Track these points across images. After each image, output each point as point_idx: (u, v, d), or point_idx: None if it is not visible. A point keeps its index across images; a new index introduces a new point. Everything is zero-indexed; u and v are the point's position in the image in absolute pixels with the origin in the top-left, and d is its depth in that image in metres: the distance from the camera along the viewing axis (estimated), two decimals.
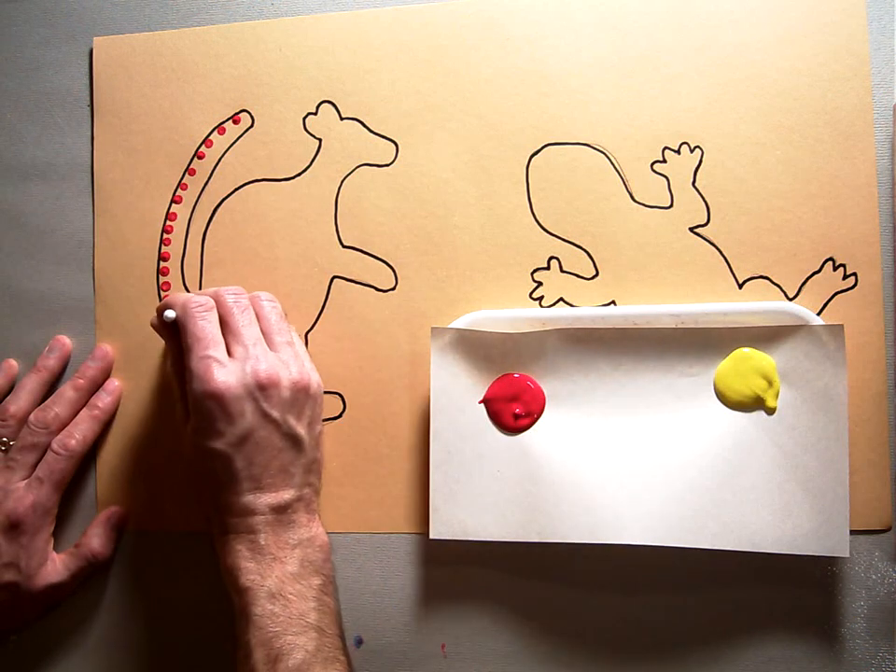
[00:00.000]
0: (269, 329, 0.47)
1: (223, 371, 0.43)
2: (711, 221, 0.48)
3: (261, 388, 0.44)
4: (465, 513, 0.47)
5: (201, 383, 0.43)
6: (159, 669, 0.51)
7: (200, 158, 0.52)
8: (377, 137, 0.51)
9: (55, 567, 0.50)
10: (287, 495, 0.45)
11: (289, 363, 0.46)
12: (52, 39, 0.55)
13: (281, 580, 0.43)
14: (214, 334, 0.45)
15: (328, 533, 0.47)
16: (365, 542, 0.50)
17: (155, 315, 0.48)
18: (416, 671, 0.49)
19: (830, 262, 0.47)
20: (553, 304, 0.49)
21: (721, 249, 0.48)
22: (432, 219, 0.50)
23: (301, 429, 0.46)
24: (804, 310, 0.46)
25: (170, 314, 0.46)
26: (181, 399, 0.47)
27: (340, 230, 0.51)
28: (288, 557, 0.44)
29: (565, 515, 0.46)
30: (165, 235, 0.52)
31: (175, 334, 0.47)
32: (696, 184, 0.48)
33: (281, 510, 0.45)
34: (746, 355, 0.46)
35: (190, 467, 0.47)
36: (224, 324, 0.46)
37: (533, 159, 0.50)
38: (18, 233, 0.54)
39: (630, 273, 0.49)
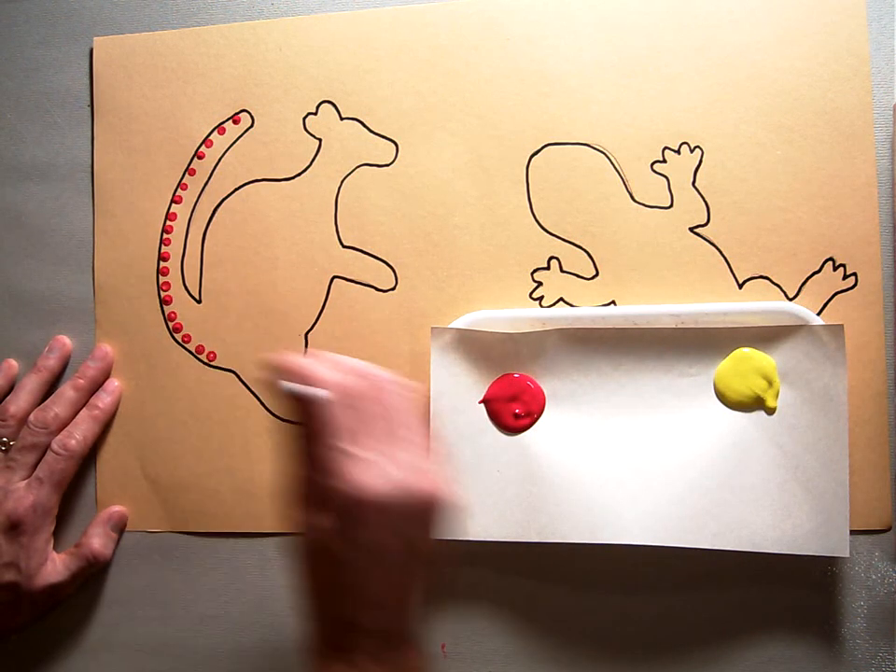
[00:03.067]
0: (393, 423, 0.38)
1: (358, 470, 0.36)
2: (711, 221, 0.48)
3: (391, 500, 0.36)
4: (465, 513, 0.47)
5: (337, 480, 0.36)
6: (159, 669, 0.51)
7: (200, 158, 0.52)
8: (377, 137, 0.51)
9: (55, 567, 0.50)
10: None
11: (413, 467, 0.38)
12: (52, 39, 0.55)
13: None
14: (349, 425, 0.37)
15: None
16: None
17: (285, 381, 0.38)
18: None
19: (830, 262, 0.47)
20: (553, 304, 0.49)
21: (721, 249, 0.48)
22: (432, 219, 0.50)
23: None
24: (804, 310, 0.46)
25: (322, 394, 0.37)
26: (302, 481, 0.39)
27: (340, 230, 0.51)
28: None
29: (565, 515, 0.46)
30: (165, 235, 0.52)
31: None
32: (696, 184, 0.48)
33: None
34: (746, 355, 0.46)
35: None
36: (367, 411, 0.38)
37: (533, 159, 0.50)
38: (18, 233, 0.54)
39: (630, 273, 0.49)
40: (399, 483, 0.36)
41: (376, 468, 0.37)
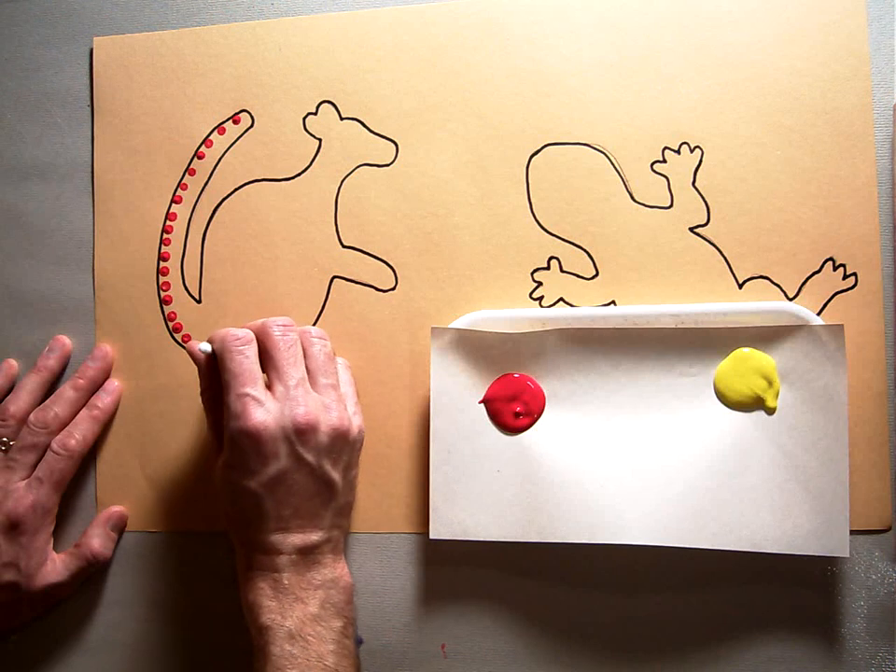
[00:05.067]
0: (314, 369, 0.45)
1: (261, 411, 0.42)
2: (711, 221, 0.48)
3: (299, 432, 0.43)
4: (465, 513, 0.47)
5: (237, 421, 0.42)
6: (159, 669, 0.51)
7: (200, 158, 0.52)
8: (377, 137, 0.51)
9: (55, 566, 0.50)
10: (314, 536, 0.44)
11: (331, 407, 0.44)
12: (52, 39, 0.55)
13: (301, 620, 0.42)
14: (252, 371, 0.44)
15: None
16: (365, 542, 0.50)
17: (193, 345, 0.47)
18: (416, 671, 0.49)
19: (830, 262, 0.47)
20: (553, 304, 0.49)
21: (721, 249, 0.48)
22: (432, 219, 0.50)
23: (335, 474, 0.45)
24: (804, 310, 0.46)
25: (205, 346, 0.45)
26: (212, 430, 0.46)
27: (340, 230, 0.51)
28: (310, 598, 0.43)
29: (565, 515, 0.46)
30: (165, 235, 0.52)
31: (211, 365, 0.46)
32: (696, 184, 0.48)
33: (307, 551, 0.44)
34: (746, 355, 0.46)
35: (219, 497, 0.46)
36: (268, 358, 0.45)
37: (533, 159, 0.50)
38: (18, 233, 0.54)
39: (630, 273, 0.49)
40: (303, 419, 0.43)
41: (282, 406, 0.43)
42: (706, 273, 0.48)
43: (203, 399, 0.47)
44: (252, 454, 0.42)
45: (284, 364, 0.44)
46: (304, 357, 0.46)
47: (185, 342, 0.52)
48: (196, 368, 0.47)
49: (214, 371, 0.46)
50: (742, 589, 0.47)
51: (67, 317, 0.53)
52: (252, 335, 0.45)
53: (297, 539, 0.44)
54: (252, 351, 0.44)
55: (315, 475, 0.44)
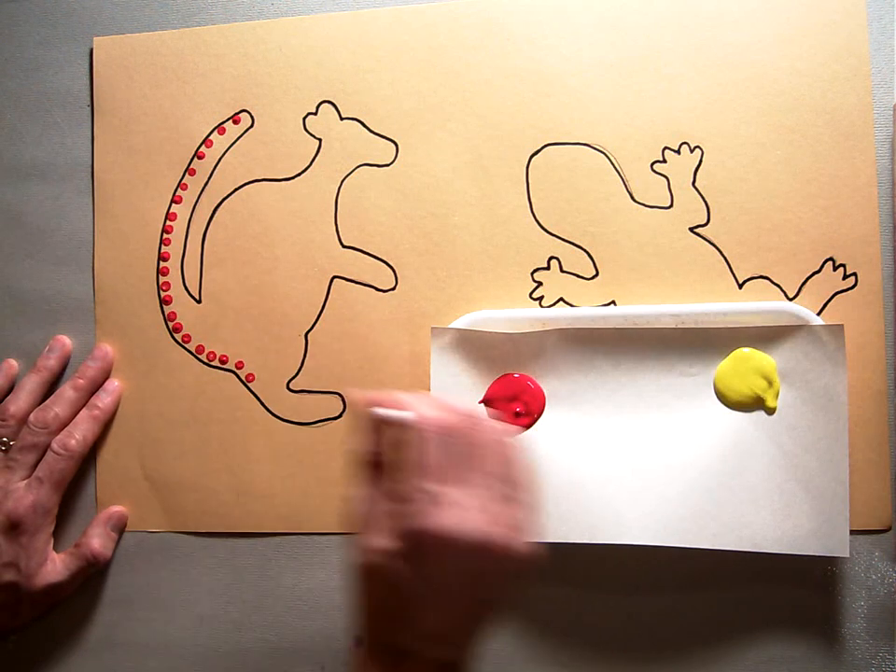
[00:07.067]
0: (498, 477, 0.38)
1: (443, 514, 0.37)
2: (711, 221, 0.48)
3: (471, 549, 0.37)
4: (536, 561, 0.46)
5: (425, 518, 0.37)
6: (159, 669, 0.51)
7: (200, 158, 0.52)
8: (377, 137, 0.51)
9: (55, 566, 0.50)
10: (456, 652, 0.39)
11: (503, 523, 0.38)
12: (52, 39, 0.55)
13: None
14: (440, 465, 0.37)
15: (329, 533, 0.45)
16: None
17: (367, 402, 0.40)
18: None
19: (830, 262, 0.47)
20: (553, 304, 0.49)
21: (721, 249, 0.48)
22: (432, 219, 0.50)
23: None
24: (804, 310, 0.46)
25: (398, 414, 0.38)
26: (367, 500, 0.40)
27: (340, 230, 0.51)
28: None
29: (565, 515, 0.46)
30: (165, 235, 0.52)
31: (382, 430, 0.40)
32: (696, 184, 0.48)
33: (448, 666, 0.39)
34: (746, 355, 0.46)
35: (358, 578, 0.39)
36: (467, 453, 0.38)
37: (533, 159, 0.50)
38: (18, 233, 0.54)
39: (630, 273, 0.49)
40: (477, 531, 0.37)
41: (457, 510, 0.37)
42: (706, 273, 0.48)
43: (362, 461, 0.40)
44: (423, 554, 0.37)
45: (469, 469, 0.38)
46: (496, 462, 0.39)
47: (185, 342, 0.52)
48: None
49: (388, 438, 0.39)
50: (742, 589, 0.47)
51: (67, 317, 0.53)
52: (452, 425, 0.38)
53: (439, 651, 0.39)
54: (448, 442, 0.38)
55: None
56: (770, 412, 0.46)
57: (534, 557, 0.39)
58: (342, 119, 0.51)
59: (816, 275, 0.47)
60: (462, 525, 0.37)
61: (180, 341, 0.52)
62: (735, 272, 0.48)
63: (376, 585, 0.39)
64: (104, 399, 0.52)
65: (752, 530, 0.44)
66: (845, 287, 0.47)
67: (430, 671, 0.38)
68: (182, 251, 0.52)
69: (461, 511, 0.37)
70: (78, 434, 0.50)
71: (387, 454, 0.39)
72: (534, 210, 0.50)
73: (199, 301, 0.52)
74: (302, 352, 0.51)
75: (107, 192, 0.53)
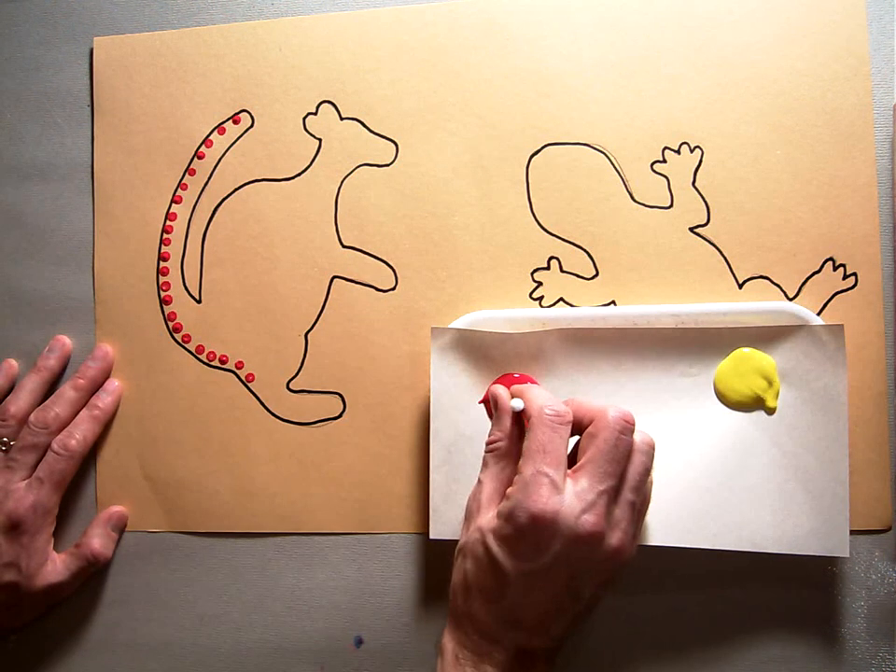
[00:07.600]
0: (626, 480, 0.40)
1: (556, 499, 0.38)
2: (711, 221, 0.48)
3: (578, 540, 0.38)
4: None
5: (527, 499, 0.39)
6: (158, 669, 0.51)
7: (200, 158, 0.52)
8: (377, 137, 0.51)
9: (55, 567, 0.50)
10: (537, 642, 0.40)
11: (619, 527, 0.40)
12: (52, 39, 0.55)
13: None
14: (560, 453, 0.40)
15: (329, 533, 0.46)
16: (365, 542, 0.50)
17: (492, 392, 0.45)
18: (416, 671, 0.49)
19: (830, 262, 0.47)
20: (553, 304, 0.49)
21: (721, 249, 0.48)
22: (432, 219, 0.50)
23: (586, 592, 0.40)
24: (804, 310, 0.46)
25: (517, 403, 0.42)
26: (493, 482, 0.43)
27: (340, 230, 0.51)
28: None
29: None
30: (165, 235, 0.52)
31: (515, 421, 0.43)
32: (696, 184, 0.48)
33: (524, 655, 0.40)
34: (746, 355, 0.46)
35: (459, 555, 0.42)
36: (590, 447, 0.40)
37: (533, 159, 0.50)
38: (18, 233, 0.54)
39: (630, 273, 0.49)
40: (588, 522, 0.38)
41: (573, 500, 0.39)
42: (706, 273, 0.48)
43: (494, 450, 0.43)
44: (528, 536, 0.39)
45: (603, 463, 0.40)
46: (626, 463, 0.41)
47: (185, 342, 0.52)
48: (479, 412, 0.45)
49: (514, 427, 0.43)
50: (742, 589, 0.47)
51: (67, 317, 0.53)
52: (572, 415, 0.41)
53: (521, 637, 0.40)
54: (567, 432, 0.41)
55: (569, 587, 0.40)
56: (770, 412, 0.46)
57: (633, 561, 0.41)
58: (342, 119, 0.51)
59: (816, 275, 0.47)
60: (574, 514, 0.38)
61: (180, 341, 0.52)
62: (734, 272, 0.48)
63: (477, 565, 0.40)
64: (104, 399, 0.52)
65: (752, 530, 0.44)
66: (845, 287, 0.47)
67: (511, 658, 0.39)
68: (182, 251, 0.52)
69: (577, 501, 0.39)
70: (79, 434, 0.50)
71: (516, 442, 0.42)
72: (534, 210, 0.50)
73: (199, 301, 0.52)
74: (302, 352, 0.51)
75: (107, 192, 0.53)
